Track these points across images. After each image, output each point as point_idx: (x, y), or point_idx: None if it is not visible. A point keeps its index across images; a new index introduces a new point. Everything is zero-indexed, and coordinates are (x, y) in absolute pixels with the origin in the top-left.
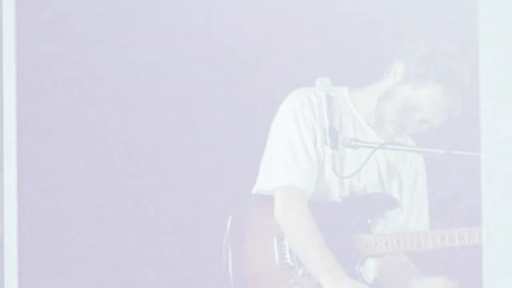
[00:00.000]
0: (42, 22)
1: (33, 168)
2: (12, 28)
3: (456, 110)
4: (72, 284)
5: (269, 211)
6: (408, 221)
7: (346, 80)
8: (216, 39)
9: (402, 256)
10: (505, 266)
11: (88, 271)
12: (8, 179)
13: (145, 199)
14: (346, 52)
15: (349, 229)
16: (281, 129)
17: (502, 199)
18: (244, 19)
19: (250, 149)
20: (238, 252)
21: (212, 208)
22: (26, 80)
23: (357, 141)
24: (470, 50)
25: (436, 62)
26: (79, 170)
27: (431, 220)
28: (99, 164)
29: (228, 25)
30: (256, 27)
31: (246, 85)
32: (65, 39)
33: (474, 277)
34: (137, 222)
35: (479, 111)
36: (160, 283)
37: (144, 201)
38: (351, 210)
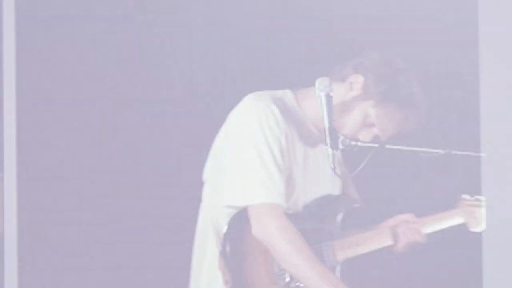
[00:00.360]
0: (42, 22)
1: (33, 168)
2: (12, 28)
3: (409, 126)
4: (72, 284)
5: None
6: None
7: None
8: (215, 39)
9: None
10: (505, 266)
11: (88, 271)
12: (8, 179)
13: (145, 199)
14: (345, 52)
15: (324, 236)
16: (246, 141)
17: (502, 199)
18: (243, 20)
19: None
20: (236, 270)
21: None
22: (26, 80)
23: (357, 141)
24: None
25: (397, 83)
26: (79, 170)
27: None
28: (99, 164)
29: (228, 25)
30: (255, 27)
31: (246, 85)
32: (65, 39)
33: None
34: (137, 222)
35: (479, 111)
36: (160, 283)
37: (144, 201)
38: (319, 217)
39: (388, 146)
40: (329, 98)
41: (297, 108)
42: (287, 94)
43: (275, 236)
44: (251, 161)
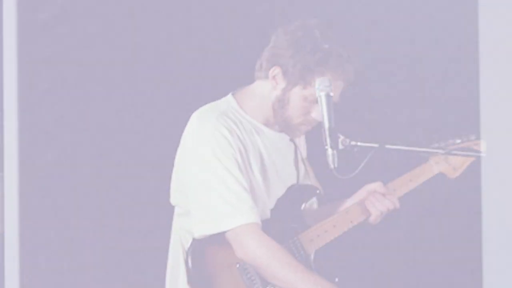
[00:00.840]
0: (42, 22)
1: (33, 167)
2: (13, 28)
3: (350, 78)
4: (73, 284)
5: (220, 243)
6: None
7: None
8: (215, 39)
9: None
10: (505, 266)
11: (88, 271)
12: (8, 178)
13: (145, 199)
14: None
15: (291, 233)
16: (205, 170)
17: (502, 199)
18: (243, 20)
19: None
20: None
21: None
22: (26, 80)
23: (357, 141)
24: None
25: (308, 54)
26: (79, 169)
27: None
28: (99, 164)
29: (227, 25)
30: (256, 27)
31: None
32: (65, 39)
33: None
34: (137, 222)
35: (479, 111)
36: (160, 283)
37: (143, 201)
38: (284, 215)
39: (388, 146)
40: (329, 98)
41: (241, 112)
42: (229, 102)
43: (259, 257)
44: (214, 189)
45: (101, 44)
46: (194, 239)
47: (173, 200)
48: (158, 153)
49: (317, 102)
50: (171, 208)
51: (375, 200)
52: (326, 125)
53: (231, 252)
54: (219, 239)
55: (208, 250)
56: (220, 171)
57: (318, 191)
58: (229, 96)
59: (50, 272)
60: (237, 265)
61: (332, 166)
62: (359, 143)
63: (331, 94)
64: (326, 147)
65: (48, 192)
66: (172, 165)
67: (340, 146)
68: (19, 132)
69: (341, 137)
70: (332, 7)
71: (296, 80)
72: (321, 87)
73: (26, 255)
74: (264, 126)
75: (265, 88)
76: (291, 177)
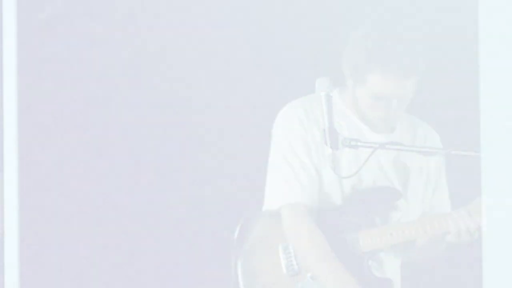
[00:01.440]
0: (42, 22)
1: (33, 167)
2: (12, 28)
3: (405, 77)
4: (73, 284)
5: (271, 221)
6: (417, 209)
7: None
8: (216, 39)
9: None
10: (505, 266)
11: (88, 271)
12: (8, 179)
13: (145, 199)
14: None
15: (354, 227)
16: (275, 149)
17: (502, 199)
18: (244, 20)
19: (252, 150)
20: (246, 263)
21: (214, 210)
22: (26, 80)
23: (357, 141)
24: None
25: (360, 56)
26: (80, 169)
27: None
28: (100, 164)
29: (228, 25)
30: (256, 27)
31: (247, 85)
32: (65, 39)
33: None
34: (137, 222)
35: (479, 111)
36: (160, 283)
37: (144, 201)
38: (354, 209)
39: (388, 146)
40: (328, 98)
41: (340, 105)
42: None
43: (296, 237)
44: (278, 167)
45: (101, 44)
46: (244, 214)
47: None
48: (158, 153)
49: (379, 100)
50: (171, 207)
51: (456, 215)
52: (326, 125)
53: (276, 233)
54: (268, 217)
55: (256, 226)
56: (286, 151)
57: (401, 197)
58: (335, 90)
59: (50, 272)
60: (280, 246)
61: (332, 166)
62: (359, 143)
63: (331, 94)
64: (326, 147)
65: (48, 192)
66: (171, 165)
67: (340, 146)
68: (19, 132)
69: (342, 137)
70: (332, 6)
71: (355, 80)
72: (321, 87)
73: (26, 255)
74: (361, 122)
75: (348, 88)
76: (378, 178)
